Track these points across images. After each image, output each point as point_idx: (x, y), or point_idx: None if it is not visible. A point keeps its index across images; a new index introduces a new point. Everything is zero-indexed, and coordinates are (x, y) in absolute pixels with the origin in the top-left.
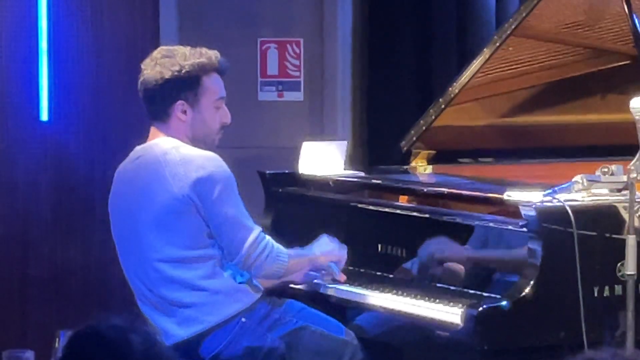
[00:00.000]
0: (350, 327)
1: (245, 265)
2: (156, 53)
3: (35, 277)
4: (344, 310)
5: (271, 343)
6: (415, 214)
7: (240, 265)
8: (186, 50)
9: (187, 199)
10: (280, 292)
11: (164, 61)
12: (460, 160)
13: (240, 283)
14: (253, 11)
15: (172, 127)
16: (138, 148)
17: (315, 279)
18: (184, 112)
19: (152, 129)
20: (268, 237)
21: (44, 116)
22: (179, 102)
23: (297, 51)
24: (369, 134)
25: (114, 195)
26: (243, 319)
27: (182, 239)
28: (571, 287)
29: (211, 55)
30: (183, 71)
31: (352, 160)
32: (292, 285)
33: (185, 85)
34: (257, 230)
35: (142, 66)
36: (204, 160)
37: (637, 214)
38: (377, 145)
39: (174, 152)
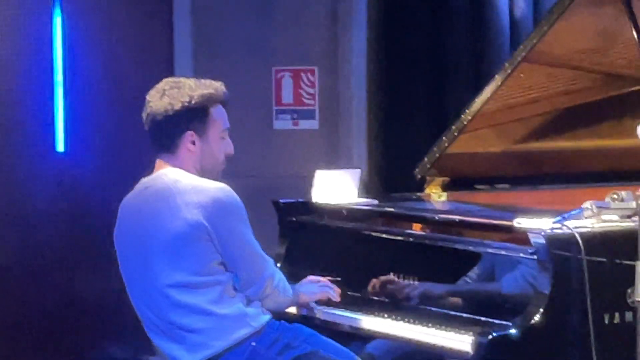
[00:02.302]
0: (362, 356)
1: (262, 295)
2: (162, 85)
3: (49, 307)
4: (355, 338)
5: None
6: (427, 241)
7: (256, 296)
8: (192, 81)
9: (200, 226)
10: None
11: (172, 92)
12: (475, 187)
13: (249, 306)
14: (267, 40)
15: (180, 158)
16: (144, 180)
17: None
18: (193, 142)
19: (159, 161)
20: (278, 270)
21: (60, 147)
22: (188, 132)
23: (312, 79)
24: (384, 161)
25: (120, 228)
26: (253, 343)
27: (191, 264)
28: (581, 315)
29: (217, 86)
30: (192, 102)
31: (367, 188)
32: (290, 311)
33: (194, 116)
34: (271, 262)
35: (148, 98)
36: (216, 190)
37: None
38: (391, 173)
39: (185, 181)
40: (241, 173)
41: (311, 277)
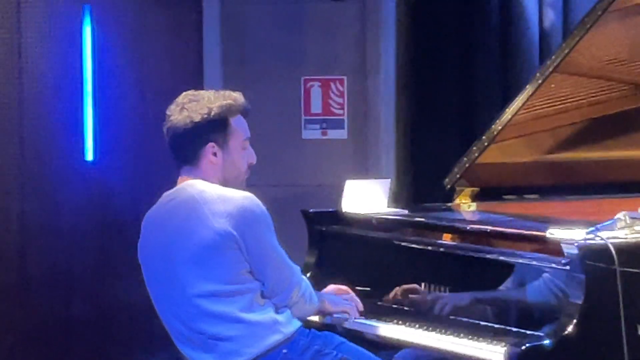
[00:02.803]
0: None
1: (289, 303)
2: (181, 98)
3: (80, 317)
4: (384, 347)
5: None
6: (458, 251)
7: (284, 303)
8: (210, 94)
9: (229, 235)
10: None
11: (192, 105)
12: (505, 197)
13: (279, 313)
14: (296, 49)
15: (202, 170)
16: (167, 193)
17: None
18: (214, 154)
19: (181, 176)
20: (305, 278)
21: (89, 156)
22: (210, 144)
23: (341, 89)
24: (413, 171)
25: (145, 242)
26: (284, 351)
27: (220, 273)
28: (614, 325)
29: (236, 96)
30: (212, 113)
31: (396, 198)
32: (315, 319)
33: (214, 128)
34: (298, 270)
35: (168, 112)
36: (242, 199)
37: None
38: (421, 183)
39: (211, 191)
40: (270, 182)
41: (341, 287)
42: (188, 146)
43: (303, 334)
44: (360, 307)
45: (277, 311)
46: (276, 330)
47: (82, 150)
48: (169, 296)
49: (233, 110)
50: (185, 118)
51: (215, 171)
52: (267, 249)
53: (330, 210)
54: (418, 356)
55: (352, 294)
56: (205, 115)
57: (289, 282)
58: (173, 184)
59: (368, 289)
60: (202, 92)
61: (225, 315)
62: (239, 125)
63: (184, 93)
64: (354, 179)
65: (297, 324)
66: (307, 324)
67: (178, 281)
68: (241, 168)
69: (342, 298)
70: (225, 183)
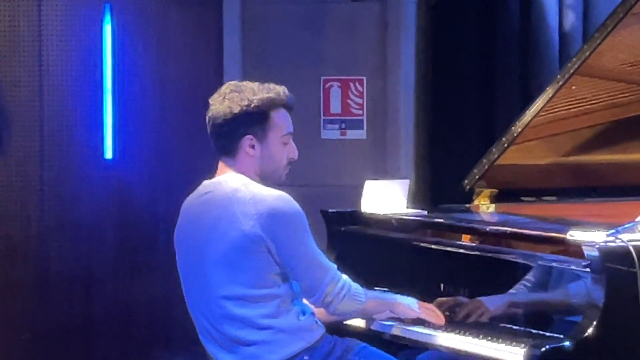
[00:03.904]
0: None
1: (323, 303)
2: (224, 88)
3: (99, 315)
4: (405, 350)
5: None
6: (477, 253)
7: (318, 304)
8: (254, 85)
9: (258, 238)
10: (337, 329)
11: (233, 96)
12: (524, 198)
13: (303, 319)
14: (316, 50)
15: (240, 162)
16: (206, 183)
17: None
18: (252, 147)
19: (220, 164)
20: (344, 276)
21: (109, 154)
22: (247, 136)
23: (360, 89)
24: (431, 172)
25: (180, 229)
26: (306, 357)
27: (248, 277)
28: (635, 328)
29: (279, 90)
30: (252, 106)
31: (415, 199)
32: (347, 322)
33: (253, 120)
34: (333, 268)
35: (210, 101)
36: (275, 200)
37: None
38: (440, 184)
39: (244, 190)
40: (288, 182)
41: (414, 299)
42: (226, 137)
43: (326, 340)
44: (442, 319)
45: (302, 316)
46: (300, 337)
47: (101, 149)
48: (198, 292)
49: (275, 103)
50: (226, 108)
51: (253, 164)
52: (297, 249)
53: (350, 210)
54: (439, 359)
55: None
56: (245, 107)
57: (321, 283)
58: (193, 183)
59: (386, 289)
60: (246, 83)
61: (250, 321)
62: (280, 120)
63: (228, 83)
64: (373, 179)
65: (321, 330)
66: (330, 329)
67: (207, 280)
68: (280, 163)
69: (421, 306)
70: (262, 176)
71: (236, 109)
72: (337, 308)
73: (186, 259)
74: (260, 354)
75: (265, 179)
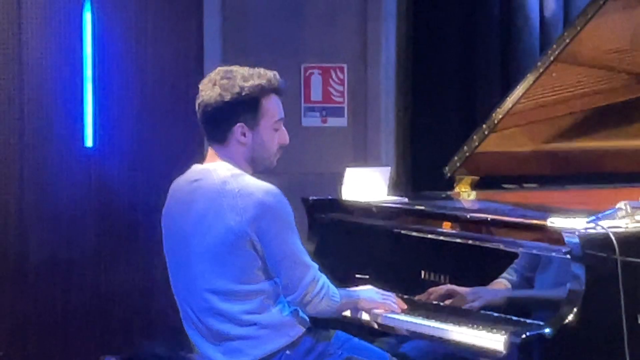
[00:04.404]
0: (395, 355)
1: (301, 303)
2: (215, 74)
3: (79, 303)
4: (389, 338)
5: None
6: (458, 240)
7: (295, 303)
8: (245, 71)
9: (244, 234)
10: (326, 321)
11: (223, 83)
12: (504, 185)
13: (287, 315)
14: (297, 37)
15: (230, 149)
16: (196, 168)
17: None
18: (244, 134)
19: (210, 150)
20: (324, 276)
21: (89, 142)
22: (239, 124)
23: (341, 77)
24: (412, 159)
25: (168, 213)
26: (288, 352)
27: (233, 272)
28: (615, 315)
29: (270, 76)
30: (243, 93)
31: (396, 186)
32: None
33: (245, 108)
34: (314, 268)
35: (200, 87)
36: (263, 194)
37: None
38: (420, 171)
39: (233, 182)
40: (269, 170)
41: (371, 287)
42: (217, 124)
43: (309, 335)
44: (403, 305)
45: (285, 313)
46: (283, 333)
47: (81, 137)
48: (183, 282)
49: (267, 90)
50: (217, 96)
51: (243, 151)
52: (280, 246)
53: (330, 198)
54: (423, 347)
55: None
56: (236, 95)
57: (301, 281)
58: (174, 172)
59: (367, 276)
60: (236, 68)
61: (233, 316)
62: (271, 106)
63: (218, 68)
64: (354, 166)
65: (304, 325)
66: (316, 323)
67: (192, 272)
68: (271, 149)
69: (380, 294)
70: (253, 163)
71: (227, 97)
72: (314, 308)
73: (172, 245)
74: (243, 348)
75: (256, 166)
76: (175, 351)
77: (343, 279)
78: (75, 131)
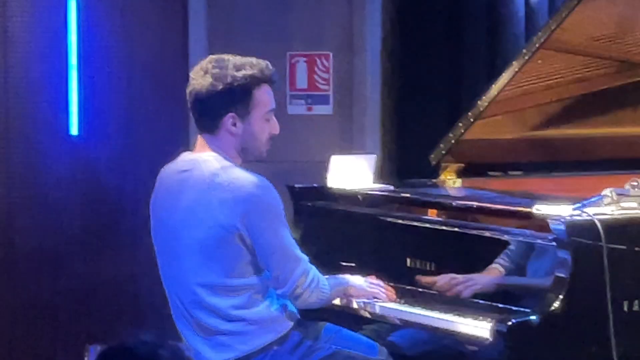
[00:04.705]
0: (383, 343)
1: (292, 295)
2: (206, 62)
3: (66, 292)
4: (376, 325)
5: None
6: (443, 227)
7: (286, 296)
8: (237, 60)
9: (233, 228)
10: (315, 312)
11: (215, 72)
12: (490, 173)
13: (275, 310)
14: (282, 25)
15: (220, 139)
16: (186, 158)
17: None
18: (234, 124)
19: (200, 139)
20: (313, 268)
21: (74, 130)
22: (230, 114)
23: (327, 65)
24: (398, 147)
25: (157, 200)
26: (275, 347)
27: (222, 266)
28: (601, 302)
29: (263, 67)
30: (235, 83)
31: (381, 174)
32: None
33: (236, 98)
34: (305, 260)
35: (192, 75)
36: (254, 187)
37: None
38: (406, 159)
39: (223, 175)
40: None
41: (359, 277)
42: (207, 114)
43: (297, 329)
44: (391, 293)
45: (273, 307)
46: (271, 329)
47: (67, 125)
48: (172, 273)
49: (258, 80)
50: (208, 85)
51: (234, 141)
52: (271, 239)
53: (316, 185)
54: (411, 335)
55: (379, 281)
56: (228, 85)
57: (292, 275)
58: (160, 160)
59: (353, 264)
60: (227, 57)
61: (221, 311)
62: (263, 97)
63: (210, 56)
64: (339, 154)
65: (292, 320)
66: (305, 315)
67: (181, 264)
68: (261, 140)
69: (368, 283)
70: (243, 153)
71: (219, 86)
72: (305, 301)
73: (161, 236)
74: (231, 344)
75: (247, 156)
76: (162, 339)
77: (328, 266)
78: (60, 120)
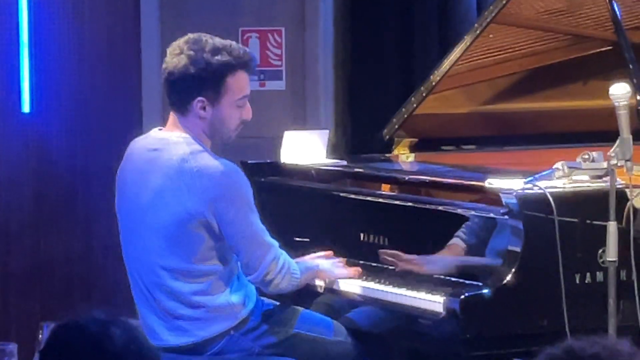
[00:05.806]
0: (340, 320)
1: (263, 282)
2: (183, 42)
3: (18, 270)
4: (334, 302)
5: (259, 353)
6: (397, 202)
7: (257, 282)
8: (215, 42)
9: (200, 216)
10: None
11: (190, 53)
12: (443, 147)
13: (235, 297)
14: (234, 1)
15: (190, 120)
16: (157, 136)
17: None
18: (203, 108)
19: (172, 116)
20: (284, 254)
21: (26, 108)
22: (199, 98)
23: (279, 40)
24: (351, 122)
25: (124, 174)
26: (232, 332)
27: (185, 251)
28: (553, 274)
29: (240, 52)
30: (208, 69)
31: (335, 149)
32: None
33: (207, 84)
34: (275, 246)
35: (168, 51)
36: (222, 175)
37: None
38: (359, 134)
39: (192, 161)
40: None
41: (321, 254)
42: (178, 94)
43: (256, 314)
44: (358, 270)
45: (234, 294)
46: (230, 314)
47: (18, 102)
48: (136, 252)
49: (233, 66)
50: (182, 67)
51: (202, 125)
52: (240, 225)
53: (269, 161)
54: (366, 311)
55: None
56: (201, 70)
57: (262, 261)
58: (112, 138)
59: (307, 239)
60: (206, 38)
61: (183, 296)
62: (236, 83)
63: (188, 35)
64: (292, 130)
65: (250, 306)
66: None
67: (145, 245)
68: (230, 125)
69: (335, 264)
70: (211, 136)
71: (191, 70)
72: (276, 286)
73: (126, 212)
74: (189, 329)
75: (214, 139)
76: (114, 316)
77: (283, 242)
78: (11, 97)
